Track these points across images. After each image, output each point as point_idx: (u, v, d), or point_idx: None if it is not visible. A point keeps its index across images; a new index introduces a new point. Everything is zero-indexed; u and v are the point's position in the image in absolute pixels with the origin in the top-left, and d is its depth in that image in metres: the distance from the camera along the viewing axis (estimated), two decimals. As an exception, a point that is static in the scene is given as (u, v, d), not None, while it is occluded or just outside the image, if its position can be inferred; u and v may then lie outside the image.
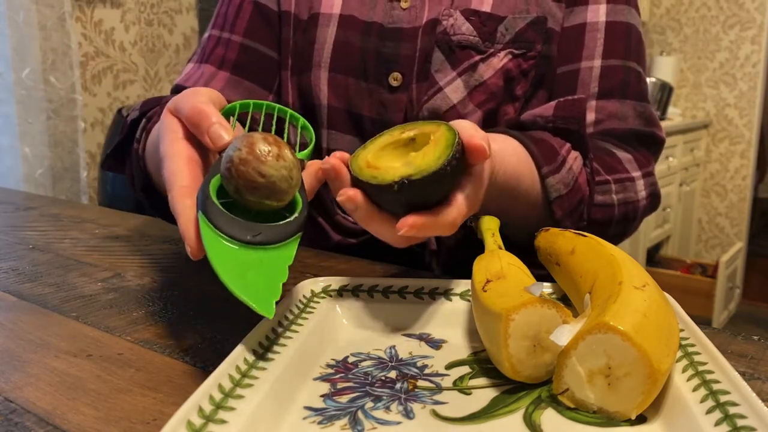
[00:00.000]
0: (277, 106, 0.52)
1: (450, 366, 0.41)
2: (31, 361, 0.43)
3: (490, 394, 0.37)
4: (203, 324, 0.49)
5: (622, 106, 0.72)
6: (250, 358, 0.37)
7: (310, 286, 0.49)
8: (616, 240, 0.70)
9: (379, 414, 0.35)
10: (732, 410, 0.31)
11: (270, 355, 0.38)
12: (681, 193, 3.19)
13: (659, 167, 2.78)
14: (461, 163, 0.42)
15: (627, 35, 0.73)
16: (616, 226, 0.69)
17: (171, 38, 2.28)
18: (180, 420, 0.29)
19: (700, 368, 0.35)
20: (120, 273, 0.62)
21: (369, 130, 0.75)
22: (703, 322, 0.50)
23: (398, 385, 0.38)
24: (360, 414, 0.35)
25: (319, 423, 0.34)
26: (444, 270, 0.76)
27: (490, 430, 0.34)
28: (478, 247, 0.50)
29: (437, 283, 0.50)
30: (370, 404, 0.36)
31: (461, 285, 0.50)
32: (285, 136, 0.48)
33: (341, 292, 0.49)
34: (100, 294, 0.56)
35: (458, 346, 0.44)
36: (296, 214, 0.42)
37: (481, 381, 0.39)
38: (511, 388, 0.38)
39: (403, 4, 0.74)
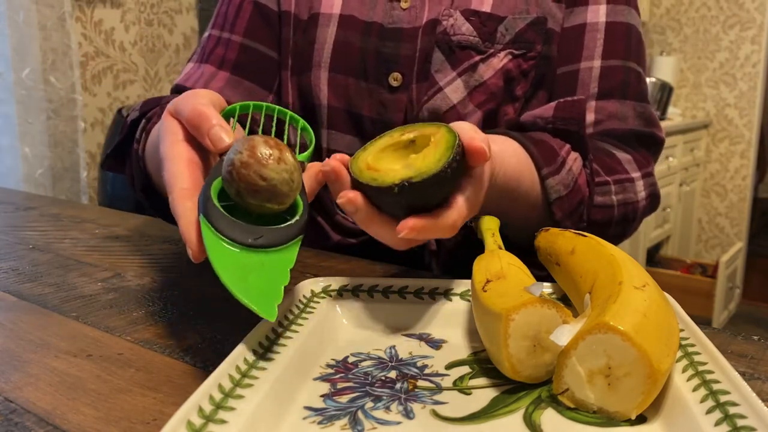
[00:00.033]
0: (277, 107, 0.52)
1: (450, 366, 0.41)
2: (31, 361, 0.43)
3: (490, 394, 0.37)
4: (203, 324, 0.49)
5: (622, 107, 0.72)
6: (250, 358, 0.37)
7: (310, 286, 0.49)
8: (615, 240, 0.70)
9: (379, 414, 0.35)
10: (732, 410, 0.31)
11: (270, 355, 0.38)
12: (681, 193, 3.19)
13: (659, 167, 2.78)
14: (461, 165, 0.42)
15: (627, 36, 0.73)
16: (615, 226, 0.69)
17: (171, 38, 2.28)
18: (180, 420, 0.29)
19: (700, 368, 0.35)
20: (120, 273, 0.62)
21: (369, 130, 0.75)
22: (703, 322, 0.50)
23: (398, 385, 0.38)
24: (360, 414, 0.35)
25: (319, 423, 0.34)
26: (443, 270, 0.76)
27: (490, 430, 0.34)
28: (478, 248, 0.50)
29: (437, 283, 0.50)
30: (370, 404, 0.36)
31: (461, 285, 0.50)
32: (285, 137, 0.48)
33: (341, 292, 0.49)
34: (100, 294, 0.56)
35: (458, 346, 0.44)
36: (297, 217, 0.42)
37: (481, 381, 0.39)
38: (511, 388, 0.38)
39: (403, 4, 0.74)
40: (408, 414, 0.35)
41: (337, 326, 0.46)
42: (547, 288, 0.49)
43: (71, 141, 1.91)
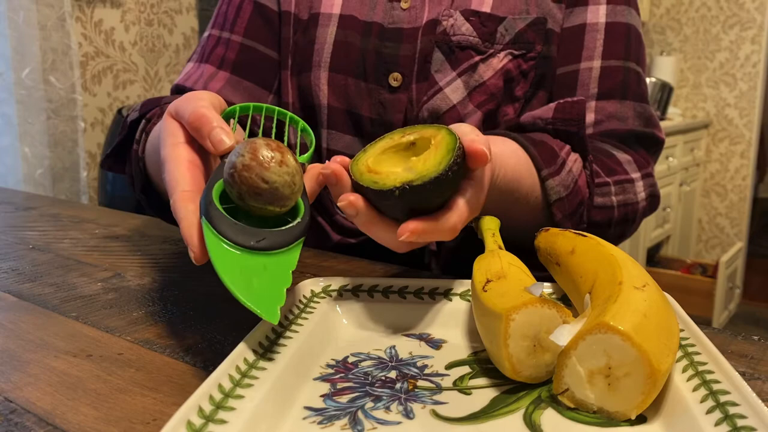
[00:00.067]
0: (277, 108, 0.52)
1: (450, 366, 0.41)
2: (31, 361, 0.43)
3: (490, 394, 0.37)
4: (203, 324, 0.49)
5: (622, 107, 0.72)
6: (250, 358, 0.37)
7: (310, 286, 0.49)
8: (615, 241, 0.70)
9: (379, 414, 0.35)
10: (732, 410, 0.31)
11: (270, 355, 0.38)
12: (681, 193, 3.19)
13: (659, 167, 2.78)
14: (462, 168, 0.42)
15: (627, 36, 0.73)
16: (615, 227, 0.69)
17: (171, 38, 2.28)
18: (180, 420, 0.29)
19: (700, 368, 0.35)
20: (120, 273, 0.62)
21: (369, 130, 0.75)
22: (703, 322, 0.50)
23: (398, 385, 0.38)
24: (360, 414, 0.35)
25: (319, 423, 0.34)
26: (443, 270, 0.76)
27: (490, 430, 0.34)
28: (478, 248, 0.50)
29: (437, 283, 0.50)
30: (370, 404, 0.36)
31: (461, 285, 0.50)
32: (285, 138, 0.48)
33: (341, 292, 0.49)
34: (100, 294, 0.56)
35: (458, 346, 0.44)
36: (299, 219, 0.42)
37: (481, 381, 0.39)
38: (511, 388, 0.38)
39: (403, 5, 0.74)
40: (408, 414, 0.35)
41: (337, 326, 0.46)
42: (547, 288, 0.49)
43: (71, 141, 1.91)
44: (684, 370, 0.36)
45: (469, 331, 0.46)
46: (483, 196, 0.45)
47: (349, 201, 0.42)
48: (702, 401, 0.33)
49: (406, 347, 0.44)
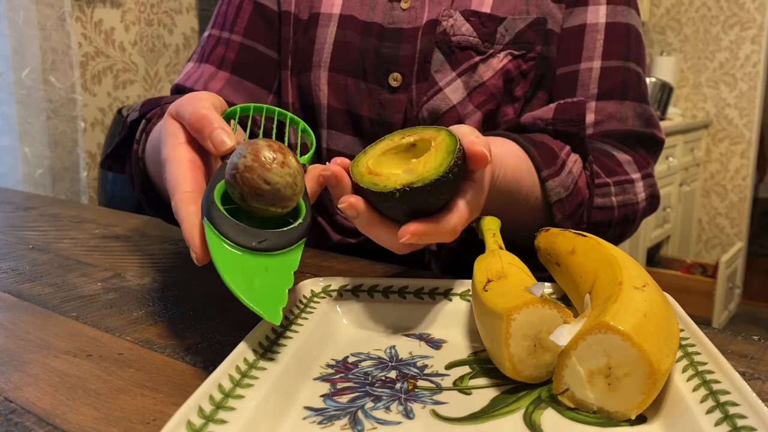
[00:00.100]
0: (277, 109, 0.52)
1: (450, 366, 0.41)
2: (31, 361, 0.43)
3: (490, 394, 0.37)
4: (203, 324, 0.49)
5: (622, 107, 0.72)
6: (250, 358, 0.37)
7: (310, 286, 0.49)
8: (615, 241, 0.70)
9: (379, 414, 0.35)
10: (732, 410, 0.31)
11: (270, 355, 0.38)
12: (681, 193, 3.19)
13: (659, 167, 2.78)
14: (462, 169, 0.42)
15: (626, 36, 0.73)
16: (615, 228, 0.69)
17: (171, 38, 2.28)
18: (180, 420, 0.29)
19: (700, 368, 0.35)
20: (120, 273, 0.62)
21: (368, 130, 0.75)
22: (703, 322, 0.50)
23: (398, 385, 0.38)
24: (360, 414, 0.35)
25: (319, 423, 0.34)
26: (443, 270, 0.76)
27: (490, 430, 0.34)
28: (478, 248, 0.50)
29: (437, 283, 0.50)
30: (370, 404, 0.36)
31: (461, 285, 0.50)
32: (285, 139, 0.48)
33: (341, 292, 0.49)
34: (100, 294, 0.56)
35: (458, 346, 0.44)
36: (300, 220, 0.42)
37: (481, 381, 0.39)
38: (511, 388, 0.38)
39: (403, 5, 0.74)
40: (408, 414, 0.35)
41: (337, 326, 0.46)
42: (547, 288, 0.49)
43: (71, 141, 1.91)
44: (684, 370, 0.36)
45: (469, 331, 0.46)
46: (483, 197, 0.45)
47: (350, 203, 0.42)
48: (702, 401, 0.33)
49: (406, 347, 0.44)
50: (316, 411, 0.35)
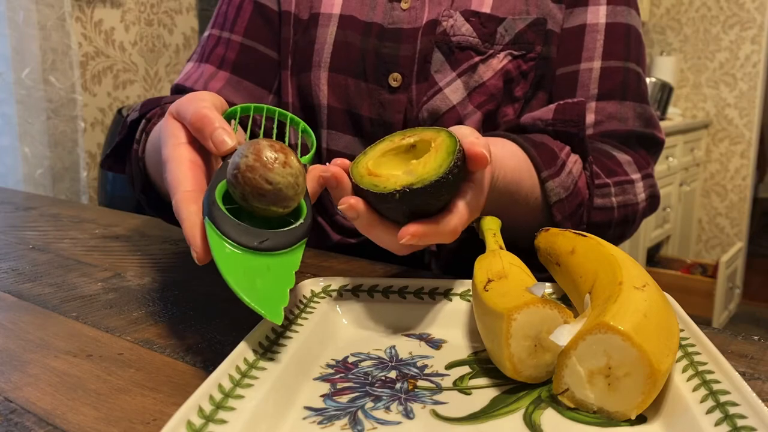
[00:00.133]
0: (278, 109, 0.52)
1: (450, 366, 0.41)
2: (31, 361, 0.43)
3: (490, 394, 0.37)
4: (203, 324, 0.49)
5: (622, 108, 0.72)
6: (250, 358, 0.37)
7: (310, 286, 0.49)
8: (615, 242, 0.70)
9: (379, 414, 0.35)
10: (732, 410, 0.31)
11: (270, 355, 0.38)
12: (681, 193, 3.19)
13: (659, 167, 2.78)
14: (462, 170, 0.42)
15: (626, 36, 0.73)
16: (615, 228, 0.69)
17: (171, 38, 2.28)
18: (180, 420, 0.29)
19: (700, 368, 0.35)
20: (120, 273, 0.62)
21: (368, 130, 0.75)
22: (703, 322, 0.50)
23: (398, 385, 0.38)
24: (360, 414, 0.35)
25: (319, 423, 0.34)
26: (443, 270, 0.76)
27: (490, 430, 0.34)
28: (478, 248, 0.50)
29: (437, 283, 0.50)
30: (370, 404, 0.36)
31: (461, 285, 0.50)
32: (286, 139, 0.48)
33: (341, 292, 0.49)
34: (100, 294, 0.56)
35: (458, 346, 0.44)
36: (301, 220, 0.42)
37: (481, 381, 0.39)
38: (511, 388, 0.38)
39: (404, 5, 0.74)
40: (408, 414, 0.35)
41: (337, 326, 0.46)
42: (547, 288, 0.49)
43: (71, 141, 1.91)
44: (684, 370, 0.36)
45: (469, 331, 0.46)
46: (483, 198, 0.46)
47: (350, 204, 0.42)
48: (702, 401, 0.33)
49: (406, 347, 0.44)
50: (316, 411, 0.35)
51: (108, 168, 0.71)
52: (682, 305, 0.44)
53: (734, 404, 0.31)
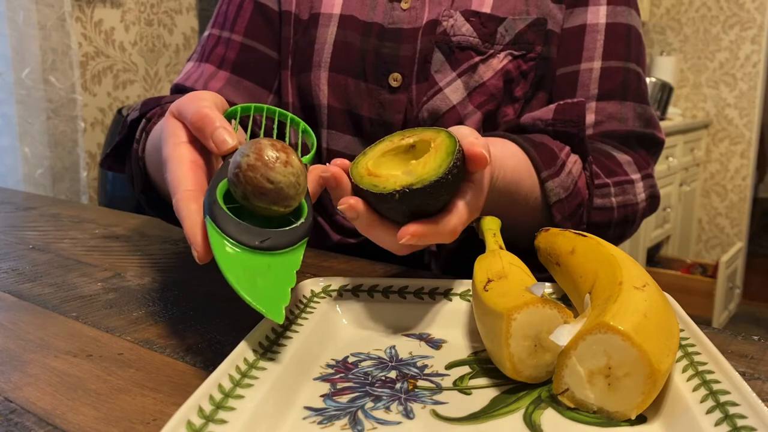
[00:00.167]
0: (278, 110, 0.52)
1: (450, 366, 0.41)
2: (31, 361, 0.43)
3: (490, 394, 0.37)
4: (203, 324, 0.49)
5: (622, 108, 0.72)
6: (250, 358, 0.37)
7: (310, 286, 0.49)
8: (615, 242, 0.70)
9: (379, 414, 0.35)
10: (732, 410, 0.31)
11: (270, 355, 0.38)
12: (681, 193, 3.19)
13: (659, 167, 2.78)
14: (462, 170, 0.42)
15: (627, 36, 0.73)
16: (615, 228, 0.69)
17: (171, 38, 2.28)
18: (180, 420, 0.29)
19: (700, 368, 0.35)
20: (120, 273, 0.62)
21: (368, 130, 0.75)
22: (703, 322, 0.50)
23: (398, 385, 0.38)
24: (360, 414, 0.35)
25: (319, 423, 0.34)
26: (444, 270, 0.76)
27: (490, 430, 0.34)
28: (478, 248, 0.50)
29: (437, 283, 0.50)
30: (370, 404, 0.36)
31: (461, 285, 0.50)
32: (286, 139, 0.48)
33: (341, 292, 0.49)
34: (100, 294, 0.56)
35: (458, 346, 0.44)
36: (302, 220, 0.42)
37: (481, 381, 0.39)
38: (511, 388, 0.38)
39: (404, 5, 0.74)
40: (408, 414, 0.35)
41: (337, 326, 0.46)
42: (547, 288, 0.49)
43: (71, 141, 1.91)
44: (684, 370, 0.36)
45: (469, 331, 0.46)
46: (483, 198, 0.46)
47: (350, 204, 0.42)
48: (702, 401, 0.33)
49: (406, 347, 0.44)
50: (316, 411, 0.35)
51: (108, 167, 0.71)
52: (682, 305, 0.44)
53: (734, 404, 0.31)
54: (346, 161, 0.44)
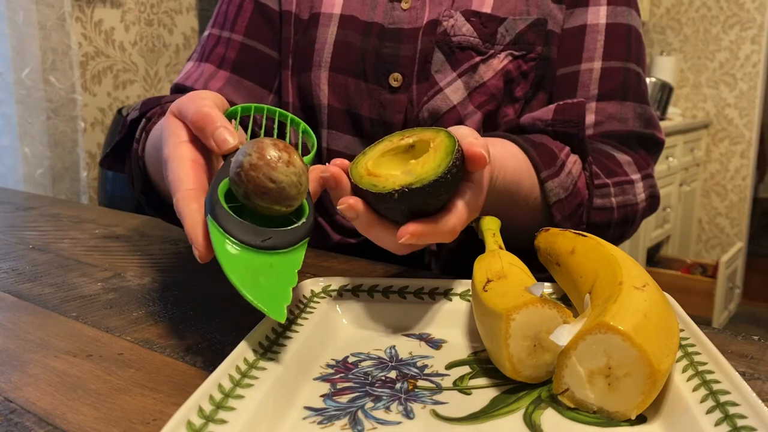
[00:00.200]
0: (278, 110, 0.52)
1: (450, 366, 0.41)
2: (31, 361, 0.43)
3: (490, 394, 0.37)
4: (203, 324, 0.49)
5: (622, 108, 0.72)
6: (250, 357, 0.37)
7: (310, 286, 0.49)
8: (615, 242, 0.70)
9: (379, 414, 0.35)
10: (732, 410, 0.31)
11: (270, 355, 0.38)
12: (681, 193, 3.19)
13: (659, 167, 2.78)
14: (461, 170, 0.42)
15: (627, 37, 0.73)
16: (615, 228, 0.69)
17: (171, 38, 2.28)
18: (180, 420, 0.29)
19: (700, 368, 0.35)
20: (120, 273, 0.62)
21: (369, 130, 0.75)
22: (703, 322, 0.50)
23: (398, 385, 0.38)
24: (360, 414, 0.35)
25: (319, 423, 0.34)
26: (443, 270, 0.76)
27: (490, 430, 0.34)
28: (478, 248, 0.50)
29: (437, 283, 0.50)
30: (370, 404, 0.36)
31: (461, 285, 0.50)
32: (287, 139, 0.48)
33: (341, 292, 0.49)
34: (100, 294, 0.56)
35: (458, 346, 0.44)
36: (304, 219, 0.42)
37: (481, 381, 0.39)
38: (511, 388, 0.38)
39: (404, 5, 0.74)
40: (408, 414, 0.35)
41: (337, 326, 0.46)
42: (547, 288, 0.49)
43: (71, 141, 1.91)
44: (684, 370, 0.36)
45: (469, 331, 0.46)
46: (482, 198, 0.46)
47: (349, 204, 0.42)
48: (702, 401, 0.33)
49: (406, 347, 0.44)
50: (316, 411, 0.35)
51: (107, 167, 0.71)
52: (682, 305, 0.44)
53: (734, 404, 0.31)
54: (345, 161, 0.44)
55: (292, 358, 0.38)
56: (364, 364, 0.41)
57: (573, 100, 0.64)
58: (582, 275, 0.43)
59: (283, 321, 0.36)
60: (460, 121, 0.71)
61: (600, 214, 0.67)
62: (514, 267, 0.44)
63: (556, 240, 0.49)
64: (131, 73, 2.16)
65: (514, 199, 0.57)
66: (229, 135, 0.42)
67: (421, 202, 0.41)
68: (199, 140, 0.44)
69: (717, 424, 0.31)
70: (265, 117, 0.52)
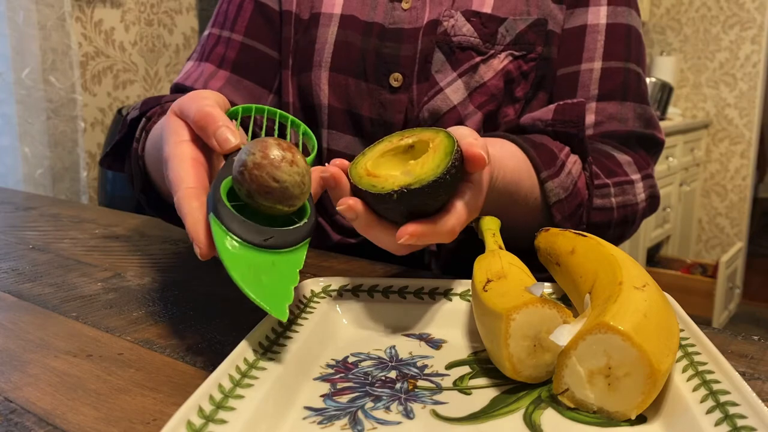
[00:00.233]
0: (278, 111, 0.52)
1: (450, 366, 0.41)
2: (31, 361, 0.43)
3: (490, 394, 0.37)
4: (203, 324, 0.49)
5: (622, 108, 0.72)
6: (251, 357, 0.37)
7: (310, 286, 0.49)
8: (615, 242, 0.70)
9: (379, 414, 0.35)
10: (732, 410, 0.31)
11: (270, 355, 0.38)
12: (681, 193, 3.19)
13: (659, 167, 2.78)
14: (460, 171, 0.42)
15: (627, 37, 0.73)
16: (615, 228, 0.69)
17: (171, 38, 2.28)
18: (180, 420, 0.29)
19: (700, 368, 0.35)
20: (120, 273, 0.62)
21: (369, 130, 0.75)
22: (703, 322, 0.50)
23: (398, 385, 0.38)
24: (360, 414, 0.35)
25: (319, 423, 0.34)
26: (443, 270, 0.76)
27: (490, 430, 0.34)
28: (478, 248, 0.50)
29: (437, 283, 0.50)
30: (370, 404, 0.36)
31: (461, 285, 0.50)
32: (288, 140, 0.48)
33: (341, 292, 0.49)
34: (100, 294, 0.56)
35: (458, 346, 0.44)
36: (305, 219, 0.42)
37: (481, 381, 0.39)
38: (511, 388, 0.38)
39: (404, 5, 0.74)
40: (408, 414, 0.35)
41: (337, 326, 0.46)
42: (547, 288, 0.49)
43: (71, 141, 1.91)
44: (684, 370, 0.36)
45: (469, 331, 0.46)
46: (482, 198, 0.46)
47: (348, 205, 0.42)
48: (702, 401, 0.33)
49: (406, 347, 0.44)
50: (316, 411, 0.35)
51: (107, 166, 0.71)
52: (682, 305, 0.44)
53: (734, 404, 0.31)
54: (345, 161, 0.44)
55: (292, 358, 0.38)
56: (364, 364, 0.41)
57: (573, 100, 0.64)
58: (582, 275, 0.43)
59: (285, 320, 0.36)
60: (460, 121, 0.71)
61: (600, 214, 0.67)
62: (514, 267, 0.44)
63: (556, 240, 0.49)
64: (131, 73, 2.16)
65: (513, 199, 0.57)
66: (231, 134, 0.42)
67: (420, 202, 0.41)
68: (200, 139, 0.44)
69: (717, 424, 0.31)
70: (265, 118, 0.52)
